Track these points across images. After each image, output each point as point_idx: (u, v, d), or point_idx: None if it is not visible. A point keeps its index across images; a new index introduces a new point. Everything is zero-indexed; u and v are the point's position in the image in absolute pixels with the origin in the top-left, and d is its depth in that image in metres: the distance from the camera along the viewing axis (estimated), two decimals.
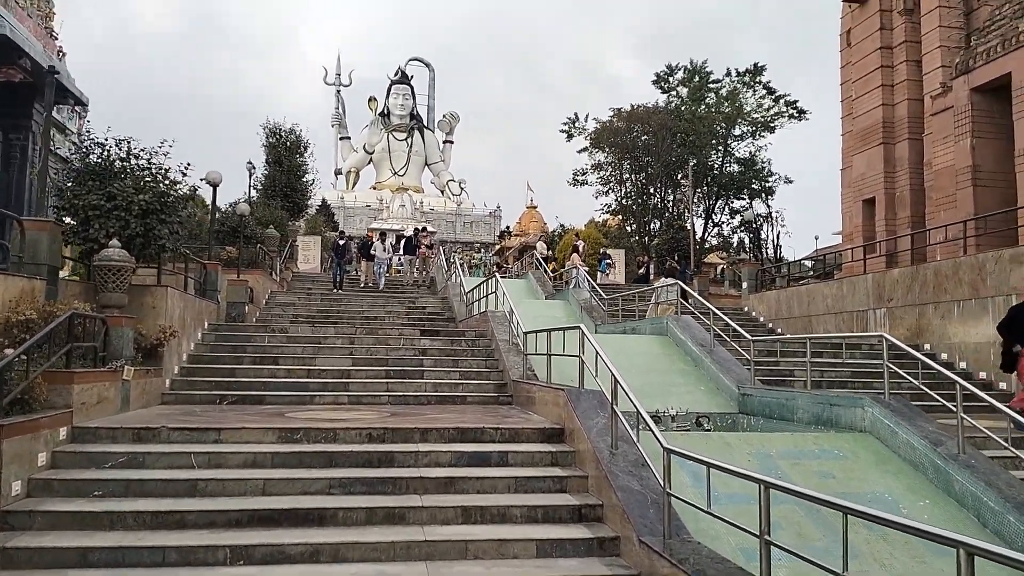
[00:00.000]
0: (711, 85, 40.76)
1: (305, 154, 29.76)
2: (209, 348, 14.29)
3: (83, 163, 11.20)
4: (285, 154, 29.04)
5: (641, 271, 28.71)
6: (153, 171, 11.59)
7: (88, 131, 26.58)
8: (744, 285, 24.33)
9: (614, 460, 8.11)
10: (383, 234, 28.90)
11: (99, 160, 11.30)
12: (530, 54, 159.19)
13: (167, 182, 11.59)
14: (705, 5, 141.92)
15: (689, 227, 33.09)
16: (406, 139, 70.86)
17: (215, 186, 16.69)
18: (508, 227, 52.65)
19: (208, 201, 21.07)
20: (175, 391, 12.44)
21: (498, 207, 65.87)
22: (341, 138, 73.46)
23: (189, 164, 12.03)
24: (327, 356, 14.24)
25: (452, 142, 73.97)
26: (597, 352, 9.21)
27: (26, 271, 10.15)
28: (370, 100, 72.94)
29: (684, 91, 41.17)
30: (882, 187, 24.99)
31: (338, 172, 72.48)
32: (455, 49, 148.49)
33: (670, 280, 21.72)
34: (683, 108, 40.26)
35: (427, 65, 78.04)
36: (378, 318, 19.52)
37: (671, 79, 41.35)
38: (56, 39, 24.03)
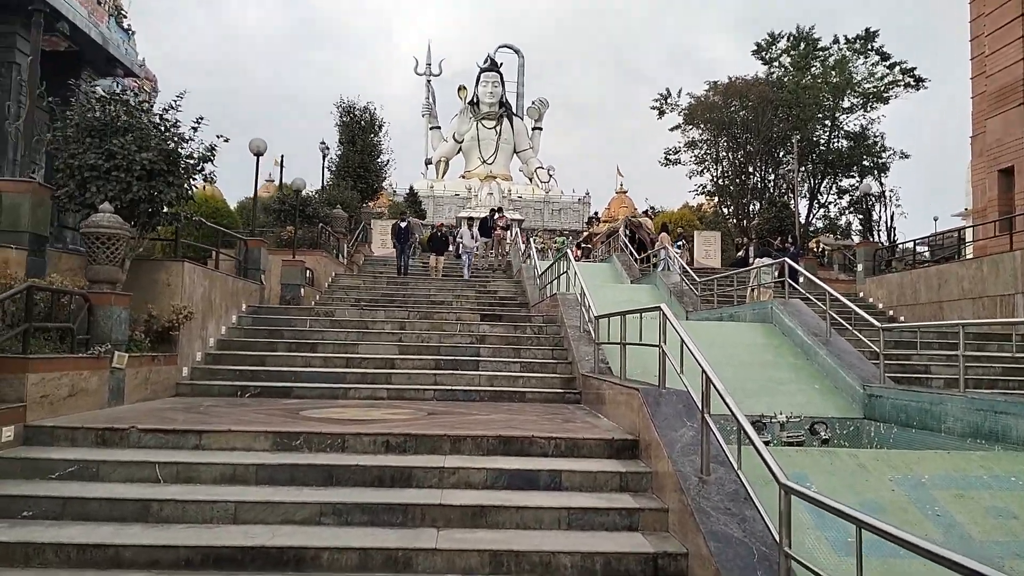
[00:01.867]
0: (817, 53, 37.03)
1: (380, 133, 28.05)
2: (243, 332, 12.54)
3: (82, 118, 9.52)
4: (359, 133, 27.35)
5: (740, 254, 25.82)
6: (163, 127, 9.82)
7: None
8: (859, 268, 21.17)
9: (704, 490, 5.73)
10: (471, 220, 26.65)
11: (100, 115, 9.58)
12: (623, 43, 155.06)
13: (176, 139, 9.79)
14: None
15: (793, 206, 29.78)
16: (495, 127, 69.22)
17: (259, 155, 15.01)
18: (596, 213, 50.05)
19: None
20: (194, 381, 10.71)
21: (587, 193, 63.41)
22: (431, 128, 72.43)
23: (202, 118, 10.25)
24: (372, 343, 12.27)
25: (541, 129, 71.86)
26: (682, 340, 6.81)
27: (1, 239, 8.51)
28: (460, 89, 71.63)
29: (787, 60, 37.57)
30: (1023, 153, 21.32)
31: (428, 162, 71.49)
32: (547, 40, 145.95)
33: (767, 260, 18.96)
34: (786, 79, 36.71)
35: (516, 51, 76.02)
36: (444, 303, 17.54)
37: (773, 48, 37.82)
38: (125, 15, 23.04)
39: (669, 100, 39.17)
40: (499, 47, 74.38)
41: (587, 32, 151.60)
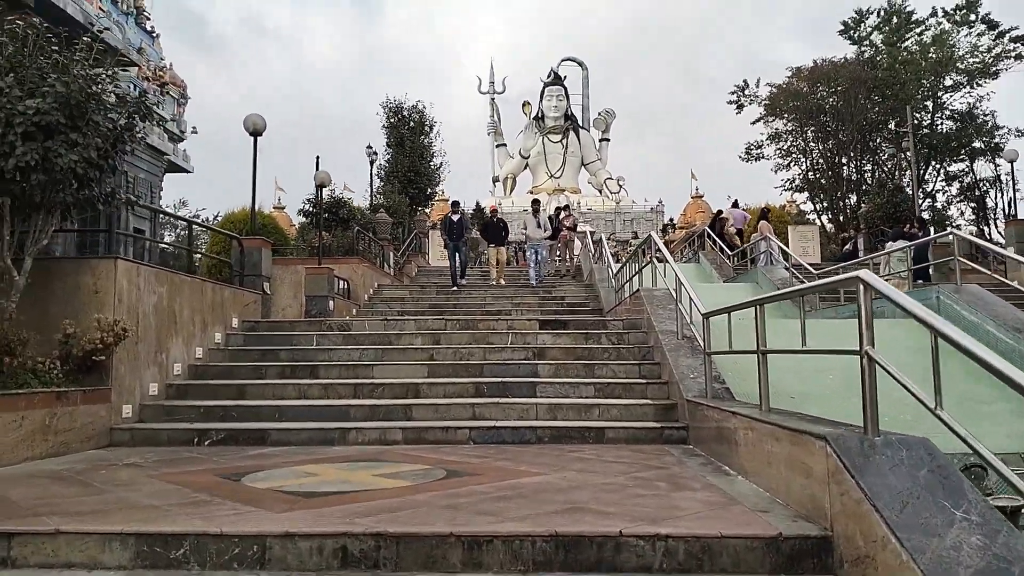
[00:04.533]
0: (911, 27, 32.39)
1: (431, 134, 24.91)
2: (227, 355, 9.32)
3: None
4: (407, 135, 24.23)
5: (847, 247, 21.62)
6: (63, 59, 6.67)
7: (185, 121, 23.14)
8: (1010, 251, 16.74)
9: None
10: (536, 206, 18.43)
11: None
12: (689, 50, 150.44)
13: (86, 75, 6.64)
14: None
15: (908, 186, 25.30)
16: (561, 140, 66.19)
17: (256, 135, 11.93)
18: (672, 219, 46.09)
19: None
20: (140, 423, 7.50)
21: (660, 202, 59.60)
22: (497, 145, 70.06)
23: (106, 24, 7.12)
24: (393, 364, 8.87)
25: (608, 140, 68.49)
26: (939, 334, 3.16)
27: None
28: (524, 104, 69.12)
29: (879, 38, 33.05)
30: None
31: (495, 179, 68.97)
32: (612, 52, 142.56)
33: (900, 244, 14.89)
34: (879, 59, 32.20)
35: (580, 64, 72.91)
36: (502, 312, 14.03)
37: (862, 26, 33.35)
38: (148, 17, 20.65)
39: (747, 91, 35.09)
40: (562, 60, 71.31)
41: (651, 42, 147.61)
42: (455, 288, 16.16)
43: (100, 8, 16.75)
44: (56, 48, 6.73)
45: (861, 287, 3.71)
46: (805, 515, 3.85)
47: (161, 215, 15.14)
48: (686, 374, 7.32)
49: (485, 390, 7.97)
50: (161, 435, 7.21)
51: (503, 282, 17.44)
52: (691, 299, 7.74)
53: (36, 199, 6.57)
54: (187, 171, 22.29)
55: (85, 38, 6.98)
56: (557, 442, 6.87)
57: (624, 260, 13.43)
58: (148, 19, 20.60)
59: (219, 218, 29.97)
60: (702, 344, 7.01)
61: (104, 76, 6.79)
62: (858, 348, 3.72)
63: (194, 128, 22.08)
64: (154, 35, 20.71)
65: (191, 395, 8.19)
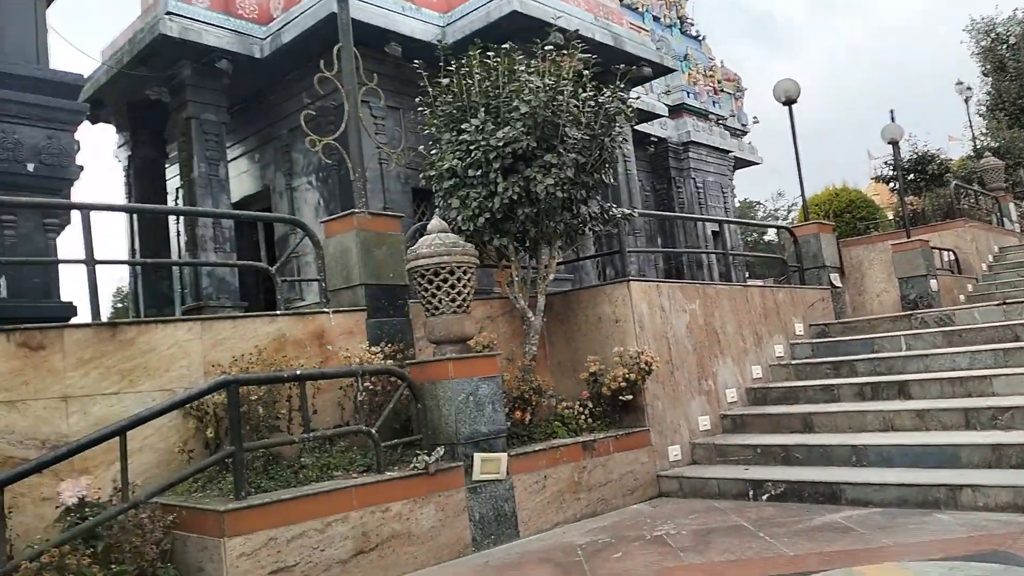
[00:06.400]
0: None
1: None
2: (790, 372, 7.46)
3: (444, 106, 6.18)
4: (1008, 55, 18.54)
5: None
6: (540, 70, 5.84)
7: (745, 113, 21.81)
8: None
9: None
10: None
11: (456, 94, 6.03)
12: None
13: (545, 86, 5.61)
14: None
15: None
16: None
17: (790, 104, 9.70)
18: None
19: None
20: (695, 464, 6.30)
21: None
22: None
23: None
24: (1021, 372, 5.86)
25: None
26: None
27: (337, 300, 5.72)
28: None
29: None
30: None
31: None
32: None
33: None
34: None
35: None
36: None
37: None
38: (691, 23, 20.42)
39: None
40: None
41: None
42: None
43: (642, 29, 16.75)
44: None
45: None
46: None
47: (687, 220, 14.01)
48: None
49: None
50: (711, 485, 5.84)
51: None
52: None
53: (531, 234, 5.94)
54: (755, 163, 21.32)
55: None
56: None
57: None
58: (692, 25, 20.30)
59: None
60: None
61: (567, 82, 5.79)
62: None
63: (755, 118, 20.98)
64: (700, 39, 20.30)
65: (748, 427, 6.67)
